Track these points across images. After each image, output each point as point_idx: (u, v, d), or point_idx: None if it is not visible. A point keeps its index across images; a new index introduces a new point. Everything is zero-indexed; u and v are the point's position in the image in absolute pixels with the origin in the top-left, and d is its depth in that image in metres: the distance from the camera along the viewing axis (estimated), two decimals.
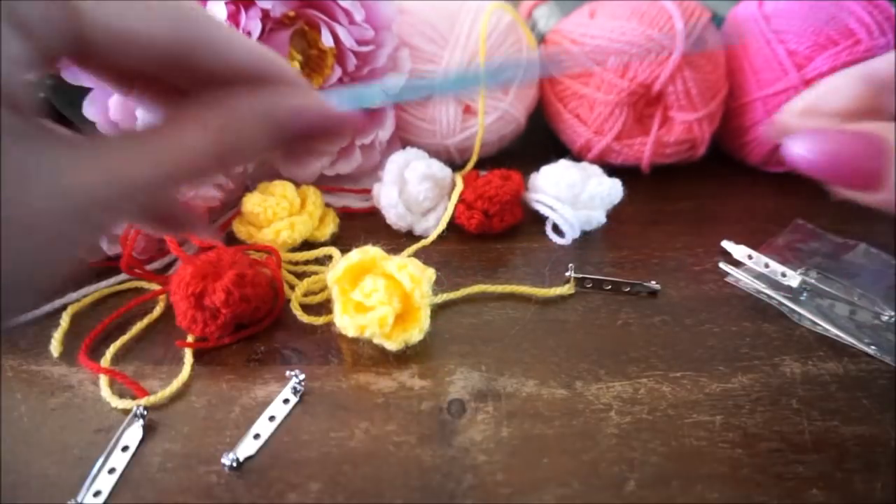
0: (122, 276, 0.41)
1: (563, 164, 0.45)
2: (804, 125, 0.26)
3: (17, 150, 0.17)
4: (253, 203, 0.43)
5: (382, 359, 0.35)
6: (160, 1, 0.21)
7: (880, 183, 0.24)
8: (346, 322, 0.34)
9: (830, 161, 0.25)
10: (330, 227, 0.45)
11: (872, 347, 0.34)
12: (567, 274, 0.39)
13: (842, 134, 0.25)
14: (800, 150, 0.25)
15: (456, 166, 0.50)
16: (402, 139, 0.52)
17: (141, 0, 0.20)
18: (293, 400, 0.33)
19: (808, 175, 0.25)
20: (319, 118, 0.23)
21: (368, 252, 0.35)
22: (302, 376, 0.33)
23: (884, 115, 0.26)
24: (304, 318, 0.37)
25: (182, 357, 0.35)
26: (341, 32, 0.42)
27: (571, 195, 0.44)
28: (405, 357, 0.35)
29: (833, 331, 0.36)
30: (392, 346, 0.34)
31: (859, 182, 0.24)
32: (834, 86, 0.27)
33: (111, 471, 0.29)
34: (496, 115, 0.49)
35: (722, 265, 0.41)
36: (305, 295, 0.39)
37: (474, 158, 0.49)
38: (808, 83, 0.46)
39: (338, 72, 0.44)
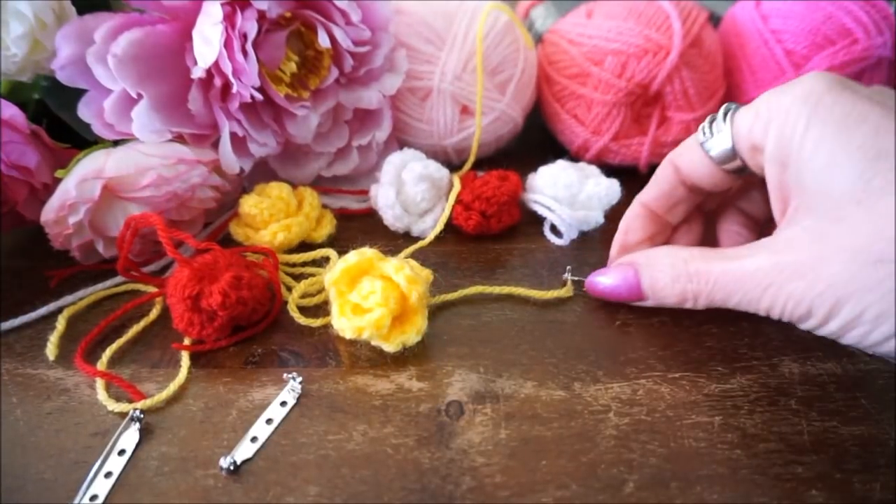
0: (119, 279, 0.40)
1: (561, 165, 0.45)
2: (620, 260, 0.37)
3: None
4: (250, 205, 0.43)
5: (380, 361, 0.35)
6: None
7: (643, 296, 0.35)
8: (343, 324, 0.34)
9: (609, 291, 0.37)
10: (327, 228, 0.45)
11: None
12: (564, 276, 0.39)
13: (611, 270, 0.37)
14: (593, 289, 0.37)
15: (453, 167, 0.50)
16: (399, 140, 0.51)
17: None
18: (290, 402, 0.32)
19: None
20: None
21: (366, 253, 0.35)
22: (299, 379, 0.33)
23: (668, 229, 0.38)
24: (302, 320, 0.37)
25: (179, 360, 0.35)
26: (338, 33, 0.42)
27: (569, 195, 0.44)
28: (403, 359, 0.35)
29: None
30: (390, 347, 0.34)
31: (632, 298, 0.36)
32: (626, 224, 0.38)
33: (108, 475, 0.29)
34: (493, 116, 0.49)
35: None
36: (302, 297, 0.39)
37: (472, 159, 0.49)
38: None
39: (334, 73, 0.44)
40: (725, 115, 0.33)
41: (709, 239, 0.39)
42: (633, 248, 0.38)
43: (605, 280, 0.37)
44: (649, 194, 0.37)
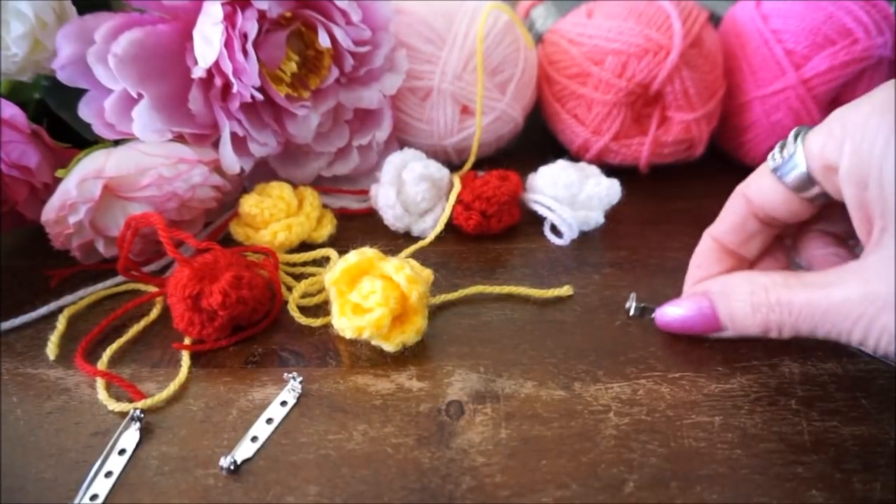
0: (119, 279, 0.40)
1: (561, 165, 0.45)
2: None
3: None
4: (250, 204, 0.43)
5: (380, 360, 0.35)
6: None
7: (720, 327, 0.32)
8: (343, 324, 0.34)
9: (682, 323, 0.34)
10: (327, 228, 0.45)
11: None
12: (628, 305, 0.37)
13: (684, 300, 0.34)
14: (663, 321, 0.35)
15: (454, 167, 0.50)
16: (399, 140, 0.51)
17: None
18: (291, 402, 0.32)
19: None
20: None
21: (366, 253, 0.35)
22: (299, 378, 0.33)
23: (745, 264, 0.35)
24: (302, 319, 0.37)
25: (179, 359, 0.35)
26: (338, 33, 0.42)
27: (569, 195, 0.44)
28: (403, 358, 0.35)
29: None
30: (390, 347, 0.34)
31: (709, 329, 0.33)
32: (697, 260, 0.35)
33: (108, 474, 0.29)
34: (494, 116, 0.49)
35: None
36: (303, 297, 0.39)
37: (472, 159, 0.49)
38: (805, 82, 0.46)
39: (335, 72, 0.44)
40: (796, 137, 0.30)
41: (796, 266, 0.36)
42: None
43: (676, 311, 0.34)
44: (720, 228, 0.34)
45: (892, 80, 0.27)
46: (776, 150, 0.31)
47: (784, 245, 0.35)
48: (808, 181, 0.30)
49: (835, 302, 0.27)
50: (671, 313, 0.34)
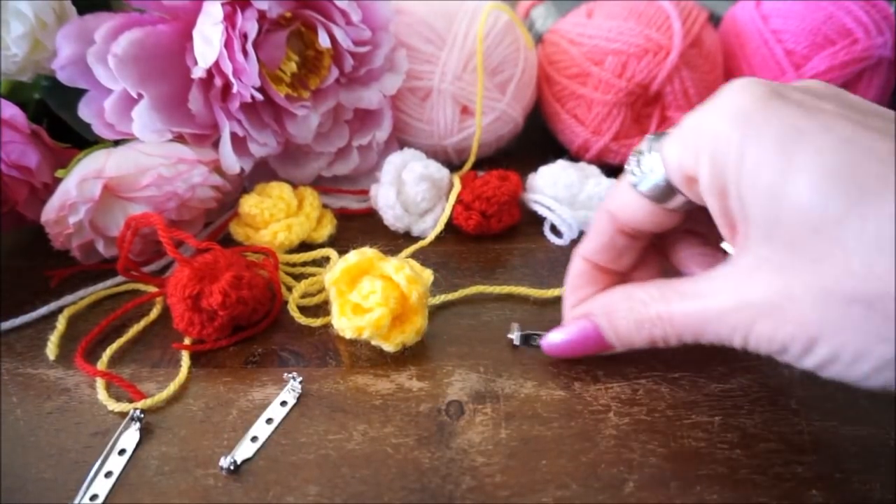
0: (119, 279, 0.40)
1: (561, 165, 0.45)
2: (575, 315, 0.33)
3: None
4: (250, 204, 0.43)
5: (380, 360, 0.35)
6: None
7: (608, 346, 0.32)
8: (343, 324, 0.34)
9: (568, 347, 0.33)
10: (327, 228, 0.45)
11: None
12: (510, 336, 0.36)
13: (567, 326, 0.33)
14: (549, 351, 0.34)
15: (454, 167, 0.50)
16: (399, 140, 0.51)
17: None
18: (291, 402, 0.32)
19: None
20: None
21: (366, 253, 0.35)
22: (299, 378, 0.33)
23: (619, 278, 0.34)
24: (302, 319, 0.37)
25: (179, 359, 0.35)
26: (338, 33, 0.42)
27: (569, 195, 0.44)
28: (403, 359, 0.35)
29: None
30: (390, 347, 0.34)
31: (598, 350, 0.32)
32: (572, 283, 0.34)
33: (108, 474, 0.29)
34: (494, 116, 0.49)
35: None
36: (303, 297, 0.39)
37: (472, 159, 0.49)
38: None
39: (335, 73, 0.44)
40: (650, 148, 0.29)
41: (669, 268, 0.35)
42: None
43: (561, 336, 0.33)
44: (589, 247, 0.33)
45: (738, 80, 0.26)
46: (632, 164, 0.30)
47: (655, 251, 0.35)
48: (670, 191, 0.29)
49: (712, 313, 0.27)
50: (555, 339, 0.33)
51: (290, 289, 0.40)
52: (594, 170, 0.46)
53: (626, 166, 0.30)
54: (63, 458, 0.30)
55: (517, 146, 0.54)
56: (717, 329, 0.27)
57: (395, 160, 0.44)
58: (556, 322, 0.37)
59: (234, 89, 0.40)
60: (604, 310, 0.31)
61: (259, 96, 0.40)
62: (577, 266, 0.34)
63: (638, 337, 0.30)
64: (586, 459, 0.29)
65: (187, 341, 0.36)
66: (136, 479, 0.29)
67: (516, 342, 0.35)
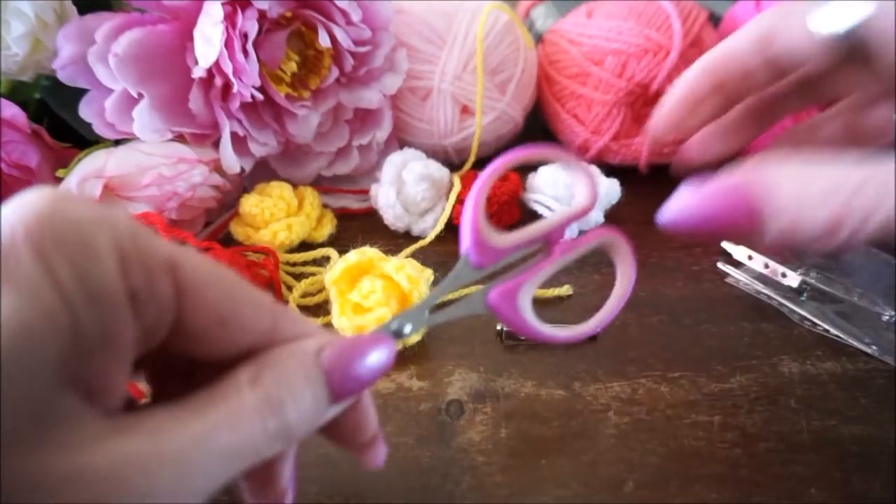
0: None
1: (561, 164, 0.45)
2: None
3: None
4: (250, 204, 0.43)
5: None
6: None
7: (755, 225, 0.23)
8: (344, 323, 0.34)
9: (710, 214, 0.24)
10: (327, 227, 0.45)
11: (873, 347, 0.34)
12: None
13: (714, 194, 0.24)
14: (672, 217, 0.25)
15: (454, 167, 0.50)
16: (399, 139, 0.51)
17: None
18: None
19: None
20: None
21: (366, 253, 0.35)
22: None
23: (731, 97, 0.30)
24: None
25: None
26: (338, 33, 0.42)
27: (569, 195, 0.44)
28: (403, 358, 0.35)
29: (833, 332, 0.36)
30: None
31: (743, 225, 0.23)
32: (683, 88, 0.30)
33: None
34: (494, 115, 0.49)
35: (721, 265, 0.41)
36: (303, 296, 0.39)
37: (472, 159, 0.49)
38: None
39: (335, 72, 0.44)
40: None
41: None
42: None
43: (696, 199, 0.24)
44: (722, 56, 0.29)
45: None
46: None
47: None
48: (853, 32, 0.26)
49: None
50: (686, 201, 0.25)
51: (290, 288, 0.40)
52: (594, 170, 0.46)
53: None
54: None
55: (517, 146, 0.54)
56: None
57: (395, 160, 0.44)
58: (557, 321, 0.37)
59: (235, 89, 0.40)
60: (774, 171, 0.23)
61: (259, 96, 0.40)
62: (694, 80, 0.30)
63: (822, 209, 0.22)
64: (586, 459, 0.29)
65: None
66: None
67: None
